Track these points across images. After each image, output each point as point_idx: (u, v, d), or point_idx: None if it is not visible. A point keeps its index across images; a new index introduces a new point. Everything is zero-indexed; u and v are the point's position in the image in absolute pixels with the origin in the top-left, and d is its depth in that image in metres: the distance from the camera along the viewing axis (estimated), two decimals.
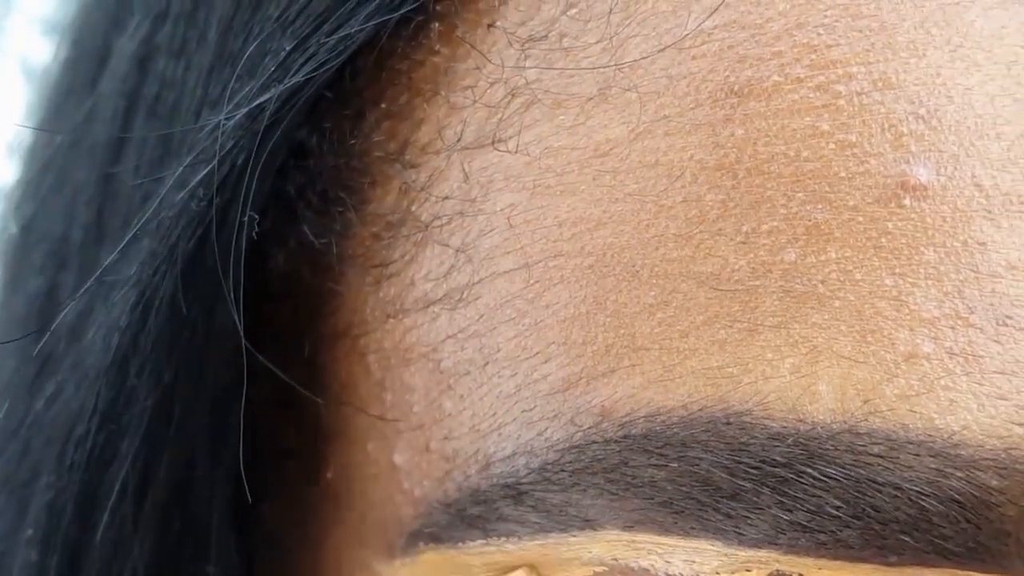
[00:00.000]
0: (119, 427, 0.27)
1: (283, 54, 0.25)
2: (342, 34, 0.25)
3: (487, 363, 0.24)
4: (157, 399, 0.27)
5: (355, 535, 0.27)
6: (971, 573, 0.23)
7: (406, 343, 0.25)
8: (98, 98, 0.30)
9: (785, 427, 0.22)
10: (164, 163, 0.27)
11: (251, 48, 0.26)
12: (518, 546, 0.23)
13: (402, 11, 0.25)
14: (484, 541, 0.24)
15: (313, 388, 0.27)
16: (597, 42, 0.24)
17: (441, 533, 0.24)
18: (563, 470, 0.23)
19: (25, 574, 0.29)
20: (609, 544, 0.23)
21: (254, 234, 0.26)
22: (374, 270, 0.26)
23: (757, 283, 0.22)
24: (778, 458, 0.22)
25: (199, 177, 0.25)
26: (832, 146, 0.23)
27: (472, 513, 0.24)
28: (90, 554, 0.28)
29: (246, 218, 0.25)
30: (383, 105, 0.26)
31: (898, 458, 0.22)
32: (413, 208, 0.25)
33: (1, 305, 0.34)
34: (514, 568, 0.23)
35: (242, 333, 0.26)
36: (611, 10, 0.24)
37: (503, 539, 0.24)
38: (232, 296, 0.25)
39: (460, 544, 0.24)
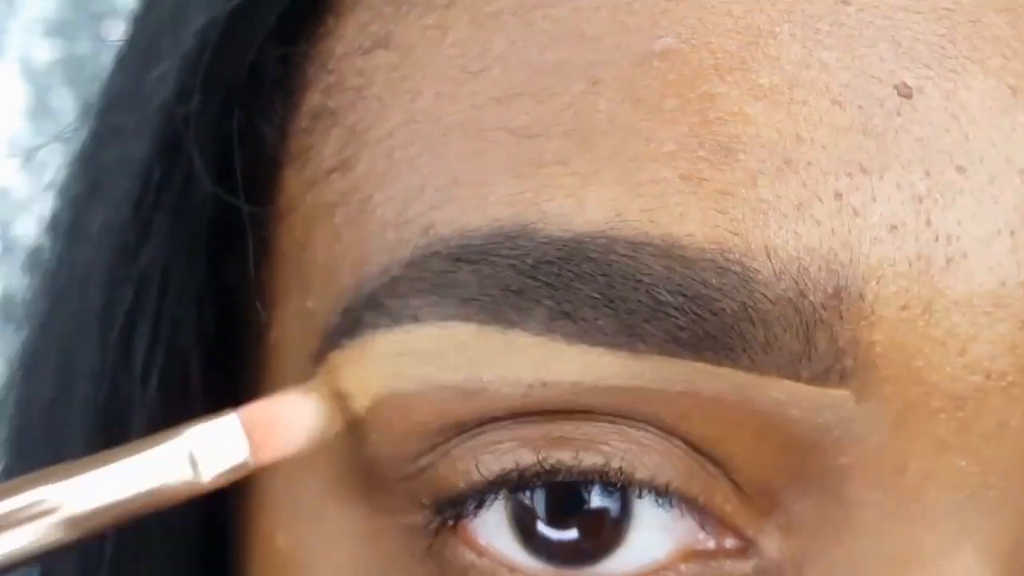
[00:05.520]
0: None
1: None
2: None
3: (361, 213, 0.29)
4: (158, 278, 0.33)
5: (287, 372, 0.32)
6: (704, 364, 0.27)
7: (315, 206, 0.31)
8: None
9: (558, 234, 0.27)
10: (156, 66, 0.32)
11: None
12: (371, 340, 0.29)
13: None
14: (350, 339, 0.29)
15: (269, 261, 0.33)
16: None
17: (333, 342, 0.29)
18: (404, 280, 0.28)
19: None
20: (427, 335, 0.28)
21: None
22: (301, 155, 0.31)
23: (549, 130, 0.28)
24: (550, 258, 0.27)
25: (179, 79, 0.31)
26: (611, 23, 0.28)
27: (345, 323, 0.29)
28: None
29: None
30: (318, 29, 0.31)
31: (638, 257, 0.27)
32: (328, 102, 0.31)
33: None
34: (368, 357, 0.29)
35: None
36: None
37: (362, 337, 0.29)
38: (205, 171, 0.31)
39: (341, 345, 0.29)
